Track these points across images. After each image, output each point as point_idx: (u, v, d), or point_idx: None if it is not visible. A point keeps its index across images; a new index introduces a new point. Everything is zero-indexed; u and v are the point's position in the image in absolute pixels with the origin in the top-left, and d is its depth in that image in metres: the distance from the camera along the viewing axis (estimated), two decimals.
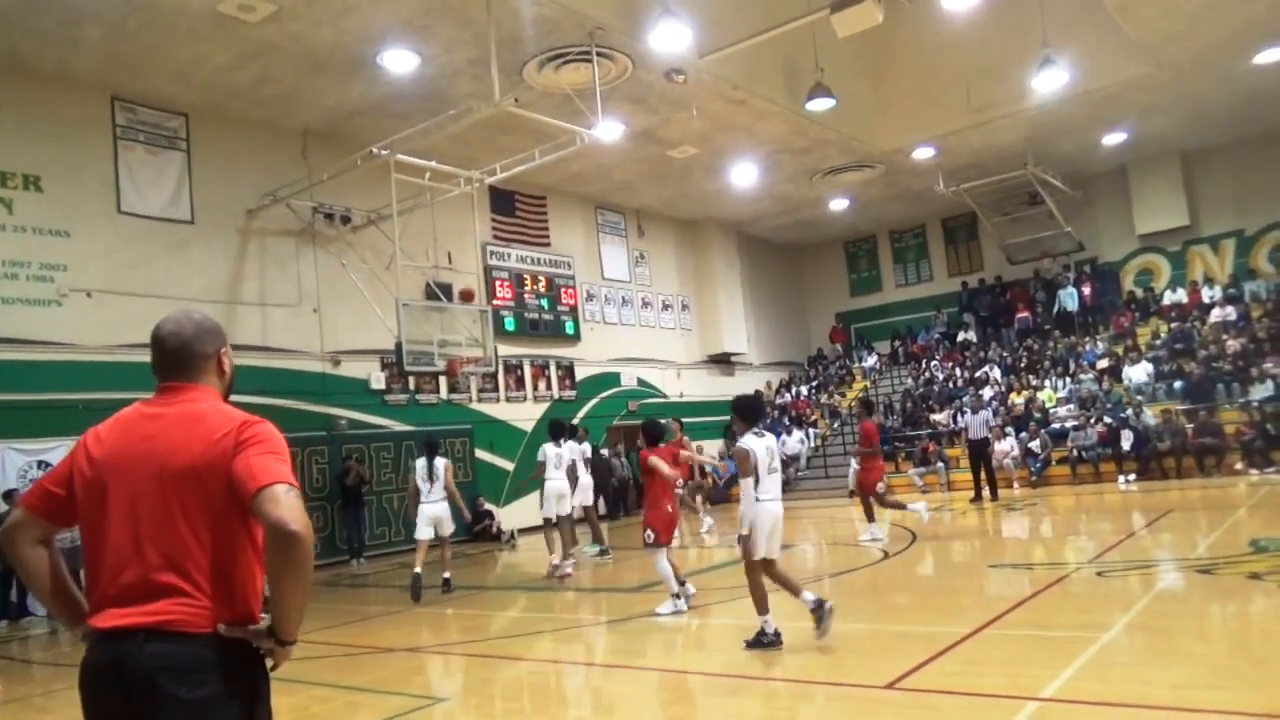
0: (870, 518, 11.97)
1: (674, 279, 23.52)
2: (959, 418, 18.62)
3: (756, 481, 6.36)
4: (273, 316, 14.73)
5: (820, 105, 14.99)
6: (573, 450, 12.04)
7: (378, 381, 16.23)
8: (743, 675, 6.00)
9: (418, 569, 10.06)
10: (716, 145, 17.81)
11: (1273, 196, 20.93)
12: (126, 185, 13.30)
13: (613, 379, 21.13)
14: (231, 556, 2.13)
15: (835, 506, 17.99)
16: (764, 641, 6.23)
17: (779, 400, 25.05)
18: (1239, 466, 16.12)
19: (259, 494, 2.02)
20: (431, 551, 10.65)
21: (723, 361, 24.33)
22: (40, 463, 12.13)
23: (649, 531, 8.15)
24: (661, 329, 22.87)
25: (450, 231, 15.89)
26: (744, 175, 19.66)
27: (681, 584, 8.14)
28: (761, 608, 6.31)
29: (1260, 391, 17.39)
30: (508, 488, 17.69)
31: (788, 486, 20.63)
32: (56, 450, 12.21)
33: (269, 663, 2.17)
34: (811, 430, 22.84)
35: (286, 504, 2.01)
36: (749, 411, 6.76)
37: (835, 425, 23.09)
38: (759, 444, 6.46)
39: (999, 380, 21.38)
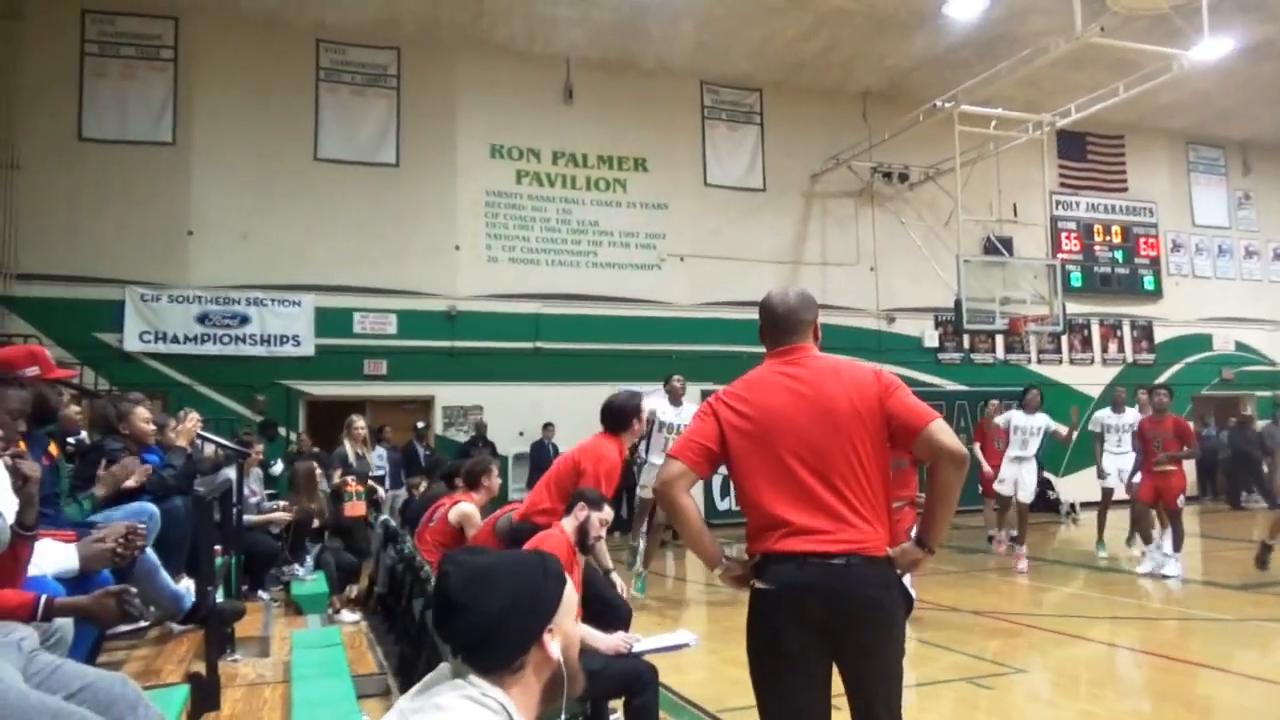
0: (1147, 539, 9.03)
1: None
2: None
3: None
4: (832, 275, 15.40)
5: None
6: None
7: (931, 339, 16.12)
8: None
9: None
10: None
11: None
12: (712, 160, 15.01)
13: (1202, 342, 18.24)
14: (885, 487, 2.50)
15: None
16: None
17: None
18: None
19: (928, 428, 2.43)
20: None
21: None
22: None
23: None
24: (1271, 283, 19.08)
25: (1012, 182, 15.05)
26: None
27: None
28: None
29: None
30: (1068, 457, 16.36)
31: None
32: (653, 393, 14.20)
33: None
34: None
35: (950, 434, 2.44)
36: None
37: None
38: None
39: None
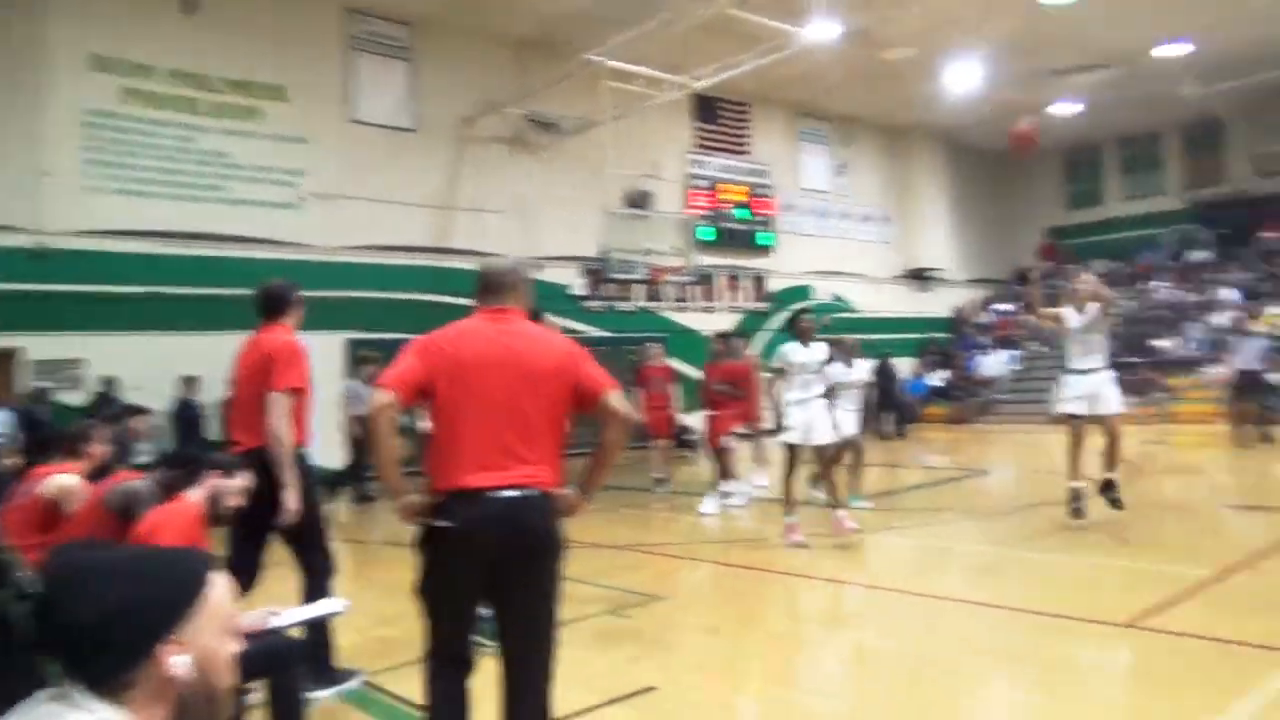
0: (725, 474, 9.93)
1: (876, 189, 22.60)
2: (1219, 345, 16.58)
3: None
4: (485, 222, 15.31)
5: None
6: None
7: (578, 287, 16.69)
8: (965, 599, 5.91)
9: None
10: (936, 44, 16.67)
11: None
12: (357, 94, 14.12)
13: (805, 292, 20.76)
14: (560, 438, 2.88)
15: (1041, 432, 17.17)
16: None
17: (980, 320, 23.90)
18: None
19: (606, 394, 2.88)
20: None
21: (919, 277, 23.35)
22: None
23: None
24: (859, 242, 22.13)
25: (655, 139, 15.90)
26: (961, 78, 18.35)
27: None
28: None
29: None
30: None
31: (986, 408, 20.16)
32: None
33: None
34: (1017, 352, 21.69)
35: (624, 402, 2.93)
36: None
37: (1043, 349, 21.81)
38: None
39: (1236, 304, 19.36)
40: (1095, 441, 7.50)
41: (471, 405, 2.75)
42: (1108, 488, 7.45)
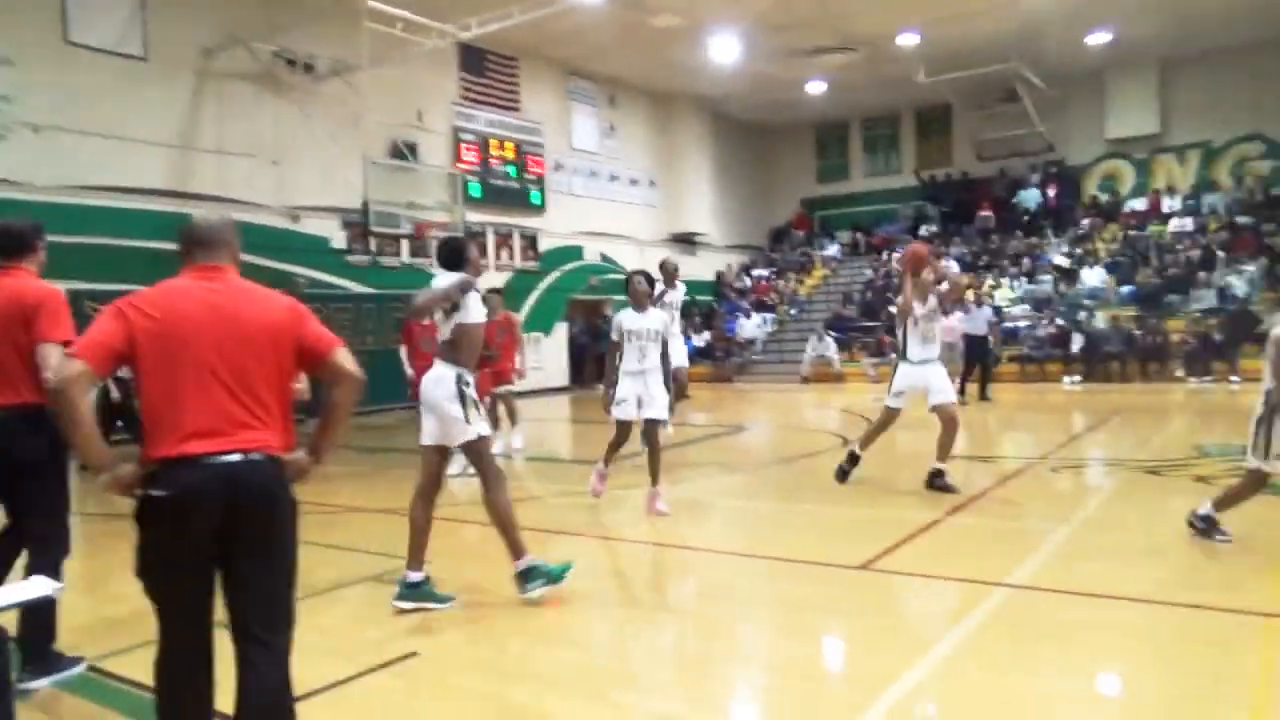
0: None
1: (644, 153, 23.02)
2: (952, 313, 18.38)
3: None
4: (231, 166, 14.12)
5: None
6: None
7: (339, 240, 15.82)
8: (720, 550, 6.20)
9: None
10: (700, 16, 17.15)
11: (1242, 110, 21.00)
12: (74, 12, 12.40)
13: (575, 252, 20.91)
14: (287, 399, 2.78)
15: (794, 391, 18.38)
16: None
17: (738, 284, 25.12)
18: (1179, 374, 16.74)
19: (333, 353, 2.80)
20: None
21: (685, 241, 24.17)
22: None
23: None
24: (627, 204, 22.51)
25: (419, 88, 15.27)
26: (724, 51, 19.03)
27: None
28: None
29: (1206, 301, 17.92)
30: None
31: (744, 368, 21.34)
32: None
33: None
34: (770, 315, 23.02)
35: (352, 361, 2.83)
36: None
37: (793, 312, 23.32)
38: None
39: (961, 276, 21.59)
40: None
41: (184, 369, 2.58)
42: (937, 476, 7.38)
